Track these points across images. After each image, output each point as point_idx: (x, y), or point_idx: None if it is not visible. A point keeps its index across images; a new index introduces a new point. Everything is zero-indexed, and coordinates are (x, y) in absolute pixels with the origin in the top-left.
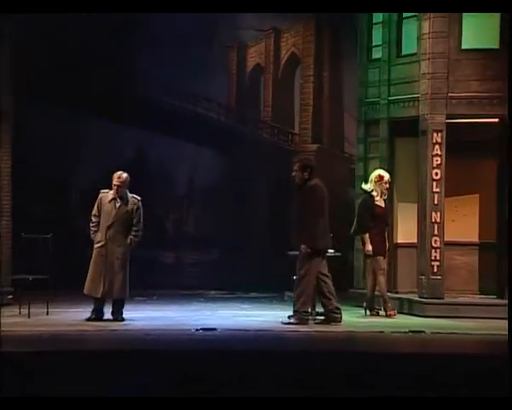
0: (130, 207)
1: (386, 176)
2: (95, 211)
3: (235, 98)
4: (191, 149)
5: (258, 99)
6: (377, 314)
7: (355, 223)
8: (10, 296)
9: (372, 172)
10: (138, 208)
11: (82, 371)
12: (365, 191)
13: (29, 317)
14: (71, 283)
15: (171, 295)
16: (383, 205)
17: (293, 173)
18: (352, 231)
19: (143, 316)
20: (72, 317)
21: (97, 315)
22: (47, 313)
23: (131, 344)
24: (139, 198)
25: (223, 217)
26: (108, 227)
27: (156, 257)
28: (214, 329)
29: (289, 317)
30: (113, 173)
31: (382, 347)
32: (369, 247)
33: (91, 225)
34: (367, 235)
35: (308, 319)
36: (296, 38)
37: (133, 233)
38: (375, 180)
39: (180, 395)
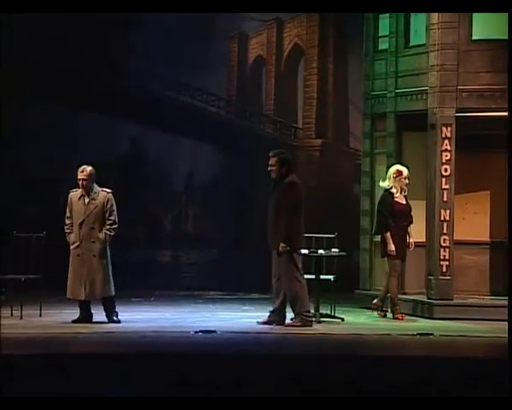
0: (100, 200)
1: (405, 171)
2: (67, 212)
3: (235, 91)
4: (190, 144)
5: (260, 92)
6: (385, 316)
7: (375, 222)
8: (2, 297)
9: (383, 167)
10: (109, 200)
11: (75, 374)
12: (384, 189)
13: (21, 318)
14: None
15: (169, 296)
16: (404, 202)
17: (270, 168)
18: (372, 231)
19: (140, 318)
20: (66, 318)
21: (84, 317)
22: (40, 315)
23: (127, 347)
24: (109, 190)
25: (222, 214)
26: (80, 225)
27: (153, 256)
28: (214, 331)
29: (292, 319)
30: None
31: (388, 350)
32: (392, 246)
33: (65, 227)
34: (388, 234)
35: (312, 320)
36: (299, 28)
37: (107, 227)
38: (394, 176)
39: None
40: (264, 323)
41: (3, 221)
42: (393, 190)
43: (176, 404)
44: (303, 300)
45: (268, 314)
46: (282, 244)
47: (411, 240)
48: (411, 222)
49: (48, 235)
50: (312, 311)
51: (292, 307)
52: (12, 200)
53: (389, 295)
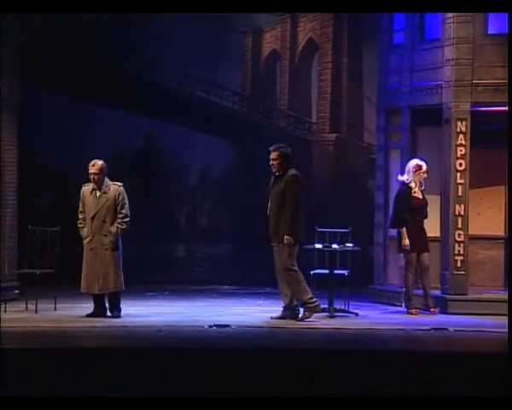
0: (111, 194)
1: (424, 165)
2: (80, 207)
3: (249, 86)
4: (204, 139)
5: (274, 87)
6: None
7: (391, 216)
8: (17, 291)
9: (397, 161)
10: (120, 194)
11: (90, 368)
12: (403, 182)
13: (36, 312)
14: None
15: (184, 291)
16: (421, 196)
17: (272, 162)
18: (388, 224)
19: (155, 312)
20: (81, 312)
21: (99, 311)
22: (55, 309)
23: (141, 341)
24: (120, 184)
25: (236, 209)
26: (92, 219)
27: (167, 251)
28: (228, 326)
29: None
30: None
31: (402, 344)
32: (406, 241)
33: (78, 221)
34: (404, 229)
35: (318, 304)
36: (314, 22)
37: (118, 221)
38: (413, 170)
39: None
40: (278, 318)
41: (19, 215)
42: (412, 185)
43: (176, 404)
44: (305, 288)
45: (281, 310)
46: (286, 237)
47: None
48: (426, 217)
49: (63, 229)
50: (326, 305)
51: (297, 298)
52: (27, 194)
53: (404, 289)
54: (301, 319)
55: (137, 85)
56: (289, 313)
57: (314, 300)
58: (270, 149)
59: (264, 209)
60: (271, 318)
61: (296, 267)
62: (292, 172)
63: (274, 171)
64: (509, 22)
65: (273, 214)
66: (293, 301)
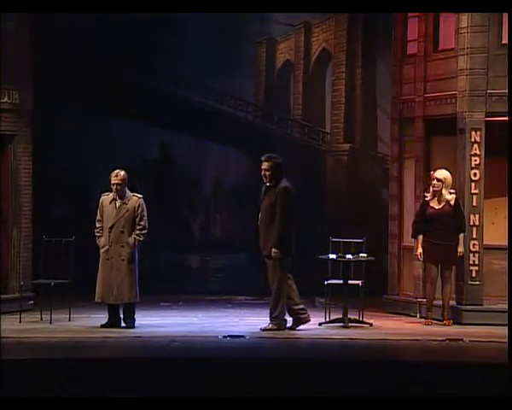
0: (131, 205)
1: (439, 175)
2: (98, 216)
3: (263, 96)
4: (218, 149)
5: (288, 97)
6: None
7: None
8: (31, 302)
9: (411, 172)
10: (140, 205)
11: (105, 378)
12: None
13: (51, 323)
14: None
15: (198, 301)
16: (438, 206)
17: (264, 172)
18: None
19: (169, 322)
20: (95, 323)
21: (113, 322)
22: (69, 319)
23: (156, 351)
24: (141, 196)
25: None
26: (110, 229)
27: (181, 261)
28: (242, 336)
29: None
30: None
31: (417, 355)
32: (418, 250)
33: (96, 230)
34: (419, 238)
35: (286, 325)
36: (328, 33)
37: (137, 232)
38: (429, 181)
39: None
40: (266, 330)
41: (34, 226)
42: (426, 194)
43: (177, 404)
44: (283, 305)
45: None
46: (274, 250)
47: (460, 248)
48: (439, 229)
49: (77, 239)
50: (341, 316)
51: (272, 308)
52: (42, 204)
53: (417, 299)
54: (266, 330)
55: (152, 96)
56: (299, 317)
57: (285, 318)
58: (262, 158)
59: (257, 220)
60: (261, 329)
61: (286, 283)
62: (284, 184)
63: (266, 181)
64: (509, 22)
65: (263, 227)
66: (296, 305)
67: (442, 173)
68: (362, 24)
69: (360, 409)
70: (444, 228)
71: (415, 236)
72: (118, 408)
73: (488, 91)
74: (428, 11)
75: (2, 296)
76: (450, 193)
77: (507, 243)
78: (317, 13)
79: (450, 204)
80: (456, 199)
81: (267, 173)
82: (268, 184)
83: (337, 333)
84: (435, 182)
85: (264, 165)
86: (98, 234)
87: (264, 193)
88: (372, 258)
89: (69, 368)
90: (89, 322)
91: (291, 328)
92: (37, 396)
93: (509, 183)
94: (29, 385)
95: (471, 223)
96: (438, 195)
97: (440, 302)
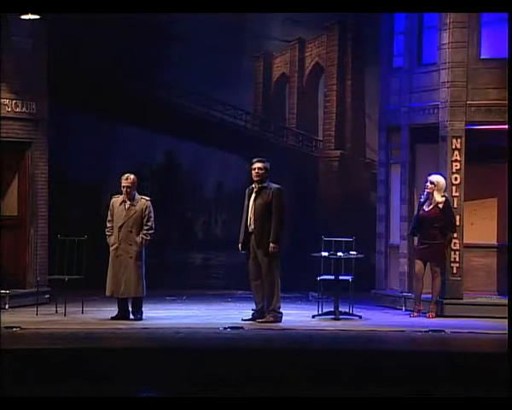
0: (139, 207)
1: (430, 178)
2: (108, 216)
3: (261, 106)
4: (220, 155)
5: (284, 107)
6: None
7: None
8: (47, 296)
9: (397, 176)
10: (147, 207)
11: (114, 366)
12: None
13: (65, 315)
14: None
15: (200, 295)
16: (426, 209)
17: (258, 172)
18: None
19: (174, 315)
20: (106, 315)
21: (122, 314)
22: (82, 312)
23: (162, 342)
24: (148, 198)
25: None
26: (120, 228)
27: (186, 258)
28: (241, 327)
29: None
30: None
31: (402, 345)
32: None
33: (106, 230)
34: (414, 238)
35: (281, 317)
36: (320, 48)
37: (144, 232)
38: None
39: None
40: (249, 320)
41: (50, 226)
42: (421, 198)
43: (178, 404)
44: (278, 297)
45: (252, 312)
46: (272, 245)
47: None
48: (448, 228)
49: (89, 238)
50: (332, 309)
51: (268, 301)
52: (57, 206)
53: (402, 293)
54: (262, 321)
55: (159, 106)
56: (257, 314)
57: (281, 311)
58: (255, 160)
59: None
60: (242, 320)
61: (278, 275)
62: (276, 185)
63: (258, 180)
64: (509, 22)
65: (258, 224)
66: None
67: (435, 177)
68: (352, 40)
69: (360, 409)
70: (431, 228)
71: (411, 236)
72: (118, 408)
73: (468, 102)
74: (429, 11)
75: (21, 291)
76: (442, 196)
77: (507, 241)
78: (310, 29)
79: (439, 206)
80: (446, 201)
81: (261, 172)
82: (259, 184)
83: (329, 325)
84: (428, 184)
85: (259, 165)
86: (108, 233)
87: (255, 194)
88: (361, 255)
89: (82, 357)
90: (100, 314)
91: (263, 320)
92: (37, 396)
93: (509, 184)
94: (45, 372)
95: None
96: (430, 197)
97: (427, 296)
